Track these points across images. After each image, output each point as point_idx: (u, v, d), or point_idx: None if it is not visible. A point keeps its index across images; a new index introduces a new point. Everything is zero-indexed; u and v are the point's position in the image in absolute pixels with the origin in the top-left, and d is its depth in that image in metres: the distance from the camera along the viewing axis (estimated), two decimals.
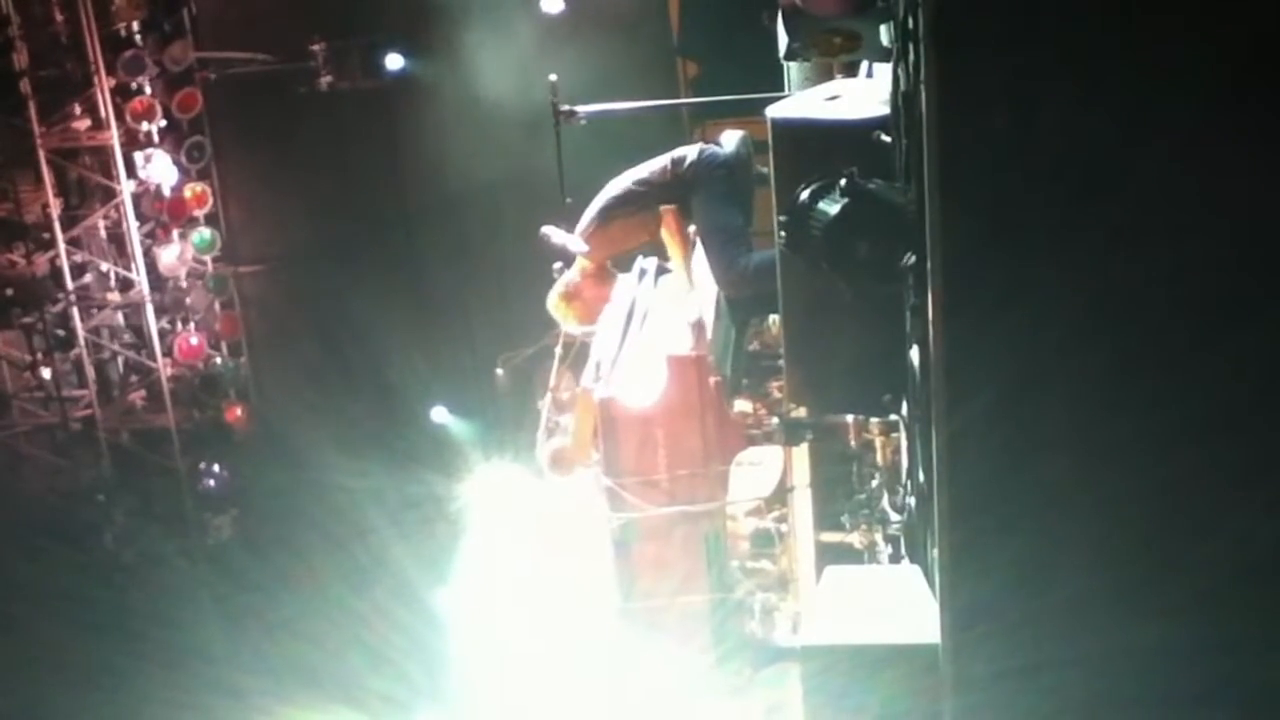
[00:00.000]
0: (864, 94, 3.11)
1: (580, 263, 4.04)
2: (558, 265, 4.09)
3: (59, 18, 7.99)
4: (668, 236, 4.15)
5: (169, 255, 8.53)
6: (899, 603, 2.89)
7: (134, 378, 8.73)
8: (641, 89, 5.86)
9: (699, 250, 4.28)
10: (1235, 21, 2.15)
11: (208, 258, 8.71)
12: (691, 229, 4.22)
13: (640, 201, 4.00)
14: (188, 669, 7.47)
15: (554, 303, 4.13)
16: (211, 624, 8.00)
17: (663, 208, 4.09)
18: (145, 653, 7.48)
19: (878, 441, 3.73)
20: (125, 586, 8.10)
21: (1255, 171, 2.20)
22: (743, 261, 3.78)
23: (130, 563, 8.27)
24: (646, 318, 4.08)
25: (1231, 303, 2.28)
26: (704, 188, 3.89)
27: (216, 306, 8.92)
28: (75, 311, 8.35)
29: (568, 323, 4.14)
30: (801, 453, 3.92)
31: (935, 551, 2.65)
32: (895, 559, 3.60)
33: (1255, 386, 2.29)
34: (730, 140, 4.00)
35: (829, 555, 3.91)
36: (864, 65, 3.54)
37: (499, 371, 4.64)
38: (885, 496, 3.68)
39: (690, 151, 3.98)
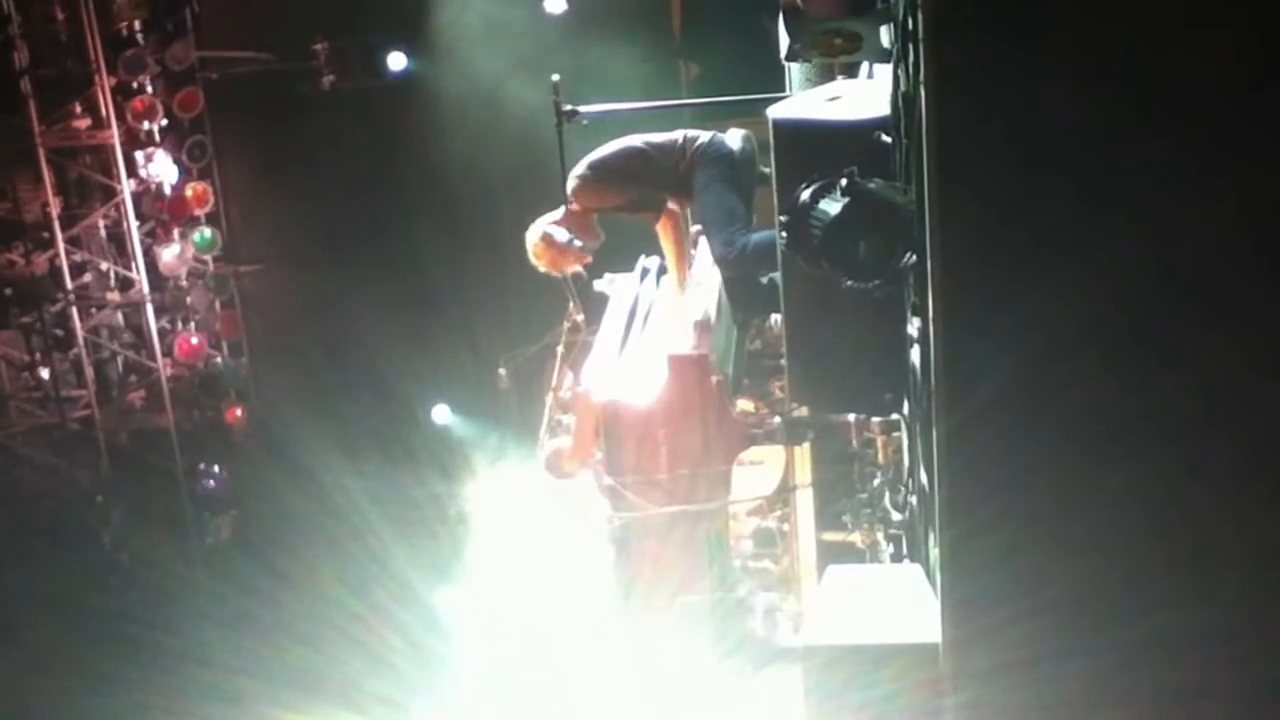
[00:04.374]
0: (864, 94, 3.13)
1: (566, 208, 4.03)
2: None
3: (59, 16, 7.99)
4: (664, 239, 4.16)
5: (169, 255, 8.52)
6: (900, 602, 2.89)
7: (133, 378, 8.71)
8: (643, 89, 5.88)
9: (697, 250, 4.31)
10: (1235, 18, 2.16)
11: (208, 257, 8.70)
12: (695, 229, 4.24)
13: (644, 165, 3.99)
14: (185, 673, 7.45)
15: (531, 241, 4.11)
16: (210, 627, 7.97)
17: (667, 209, 4.11)
18: (142, 657, 7.45)
19: (879, 440, 3.74)
20: (122, 589, 8.07)
21: (1256, 168, 2.21)
22: (740, 240, 3.78)
23: (128, 564, 8.24)
24: (648, 317, 4.10)
25: (1230, 300, 2.29)
26: (708, 168, 3.91)
27: (217, 306, 8.91)
28: (74, 311, 8.34)
29: (536, 263, 4.12)
30: (803, 452, 3.93)
31: (935, 548, 2.66)
32: (897, 558, 3.61)
33: (1253, 382, 2.31)
34: (734, 137, 4.02)
35: (831, 554, 3.92)
36: (864, 66, 3.55)
37: (501, 371, 4.65)
38: (887, 495, 3.69)
39: (703, 135, 4.01)
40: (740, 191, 3.92)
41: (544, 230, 4.10)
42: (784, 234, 2.83)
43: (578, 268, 4.07)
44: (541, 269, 4.15)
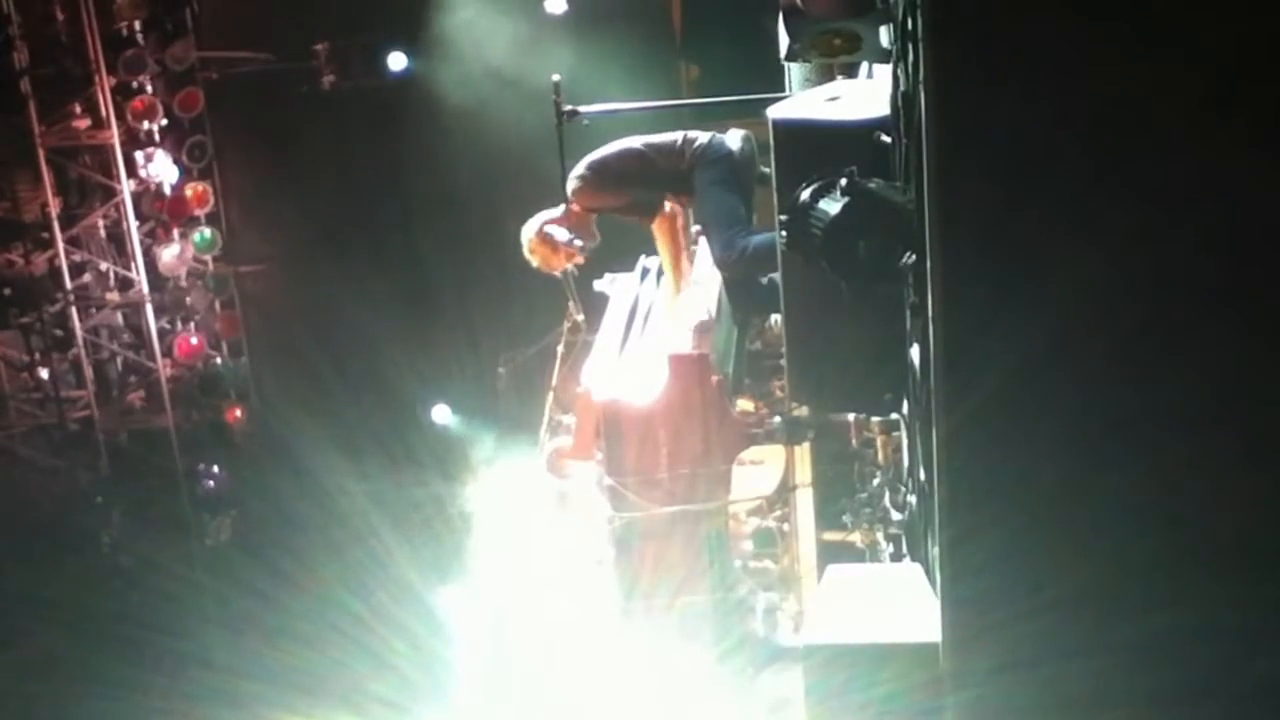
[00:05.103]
0: (864, 94, 3.13)
1: (565, 207, 4.05)
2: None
3: (59, 16, 7.99)
4: (660, 240, 4.17)
5: (169, 255, 8.53)
6: (900, 601, 2.90)
7: (133, 378, 8.71)
8: (643, 90, 5.88)
9: (698, 248, 4.31)
10: (1235, 20, 2.16)
11: (208, 257, 8.71)
12: (695, 229, 4.25)
13: (643, 166, 4.01)
14: (186, 675, 7.45)
15: (527, 236, 4.13)
16: (210, 629, 7.97)
17: (665, 208, 4.12)
18: (143, 659, 7.46)
19: (879, 440, 3.74)
20: (122, 590, 8.07)
21: (1255, 170, 2.21)
22: (740, 243, 3.80)
23: (127, 566, 8.24)
24: (648, 317, 4.10)
25: (1229, 300, 2.30)
26: (708, 169, 3.93)
27: (217, 306, 8.92)
28: (74, 311, 8.35)
29: (530, 258, 4.15)
30: (803, 451, 3.93)
31: (935, 548, 2.66)
32: (897, 557, 3.61)
33: (1255, 380, 2.31)
34: (734, 138, 4.03)
35: (831, 554, 3.92)
36: (864, 66, 3.56)
37: (501, 371, 4.66)
38: (886, 495, 3.70)
39: (703, 136, 4.03)
40: (740, 192, 3.93)
41: (541, 227, 4.11)
42: (784, 234, 2.84)
43: (569, 266, 4.08)
44: (534, 264, 4.17)
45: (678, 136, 4.05)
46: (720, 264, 3.93)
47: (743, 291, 4.02)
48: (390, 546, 7.44)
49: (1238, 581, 2.34)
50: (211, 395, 8.72)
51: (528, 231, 4.14)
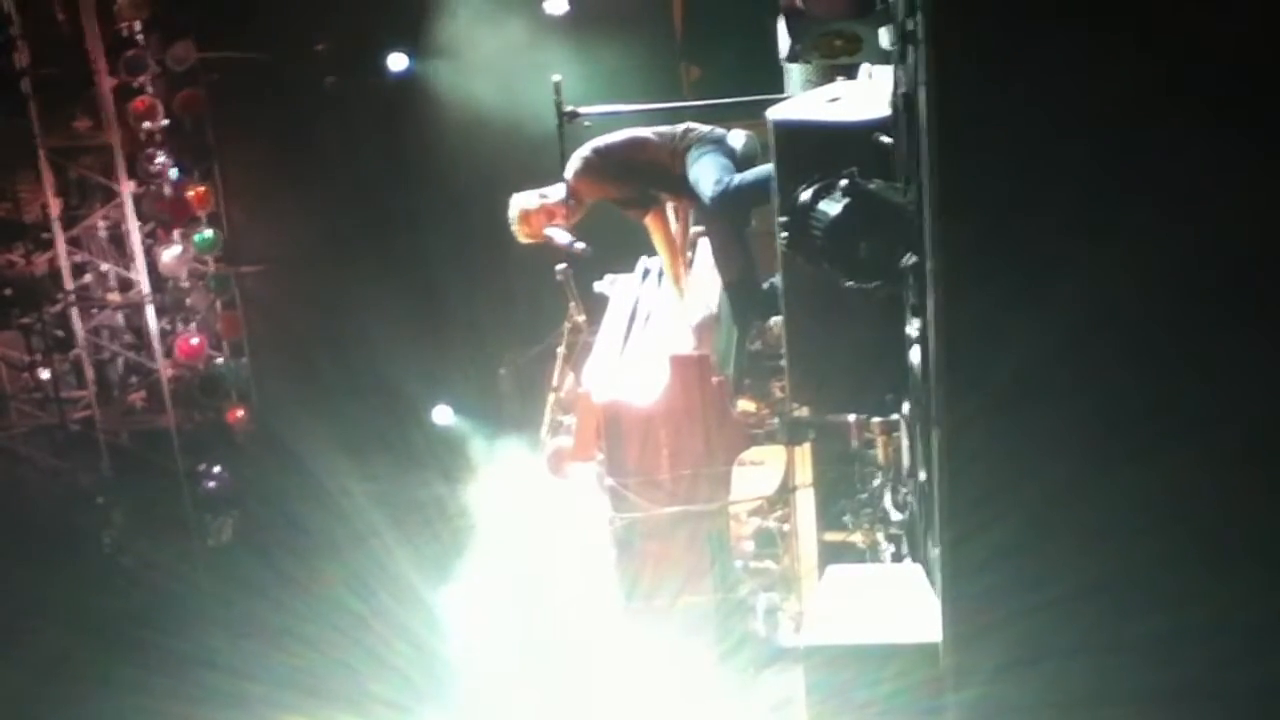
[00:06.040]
0: (864, 96, 3.14)
1: (563, 187, 4.04)
2: (561, 265, 4.11)
3: (60, 16, 8.00)
4: (655, 236, 4.16)
5: (170, 255, 8.53)
6: (901, 602, 2.91)
7: (134, 378, 8.72)
8: (644, 91, 5.89)
9: (694, 252, 4.31)
10: (1235, 20, 2.17)
11: (209, 257, 8.71)
12: (696, 229, 4.25)
13: (647, 158, 4.00)
14: (188, 676, 7.43)
15: (516, 206, 4.12)
16: (212, 629, 7.97)
17: (661, 205, 4.11)
18: (146, 660, 7.45)
19: (879, 440, 3.75)
20: (124, 591, 8.07)
21: (1255, 172, 2.22)
22: (726, 179, 3.75)
23: (129, 566, 8.24)
24: (649, 317, 4.11)
25: (1229, 302, 2.30)
26: (705, 144, 3.91)
27: (218, 306, 8.92)
28: (75, 312, 8.35)
29: (515, 229, 4.14)
30: (804, 452, 3.94)
31: (935, 548, 2.67)
32: (897, 558, 3.62)
33: (1256, 380, 2.31)
34: (737, 136, 4.03)
35: (831, 554, 3.93)
36: (864, 67, 3.56)
37: (502, 371, 4.66)
38: (887, 495, 3.70)
39: (704, 127, 4.03)
40: (736, 166, 3.91)
41: (538, 209, 4.10)
42: (784, 234, 2.85)
43: (560, 240, 4.07)
44: (521, 237, 4.16)
45: (681, 127, 4.05)
46: (710, 203, 3.81)
47: (743, 293, 4.02)
48: (392, 547, 7.44)
49: (1240, 580, 2.35)
50: (213, 396, 8.72)
51: (517, 204, 4.14)
